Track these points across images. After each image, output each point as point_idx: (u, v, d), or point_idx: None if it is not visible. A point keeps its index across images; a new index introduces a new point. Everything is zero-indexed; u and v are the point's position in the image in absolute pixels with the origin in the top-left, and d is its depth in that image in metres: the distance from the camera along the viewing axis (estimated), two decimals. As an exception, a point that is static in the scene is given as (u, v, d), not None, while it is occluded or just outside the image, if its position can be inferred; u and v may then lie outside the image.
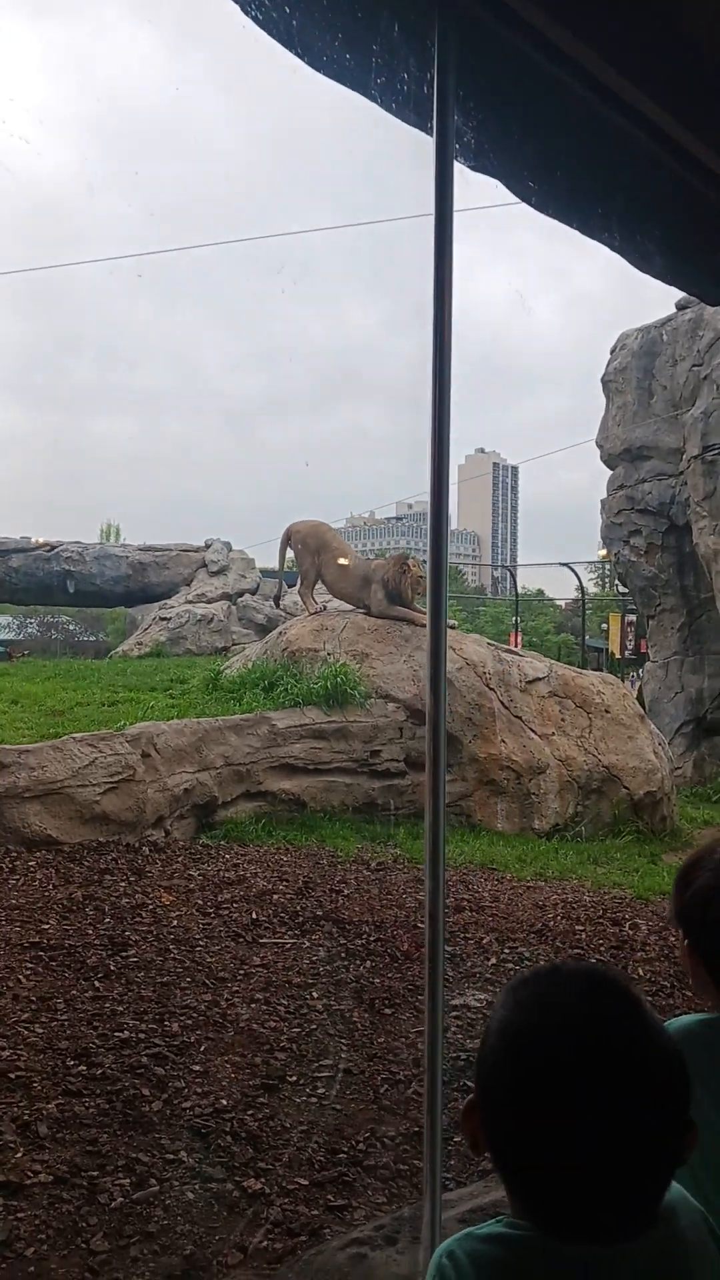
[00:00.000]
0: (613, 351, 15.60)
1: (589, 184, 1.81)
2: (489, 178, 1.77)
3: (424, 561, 11.79)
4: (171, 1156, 3.16)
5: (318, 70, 1.68)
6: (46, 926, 5.55)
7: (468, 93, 1.57)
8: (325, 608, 11.41)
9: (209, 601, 18.82)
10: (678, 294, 15.34)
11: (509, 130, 1.66)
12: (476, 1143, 1.02)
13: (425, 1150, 1.54)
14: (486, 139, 1.66)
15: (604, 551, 15.29)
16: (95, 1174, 3.02)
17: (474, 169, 1.72)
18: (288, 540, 11.87)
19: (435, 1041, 1.57)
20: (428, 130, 1.63)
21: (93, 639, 34.83)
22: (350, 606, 11.53)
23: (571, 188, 1.80)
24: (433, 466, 1.65)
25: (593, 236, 1.94)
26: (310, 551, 11.56)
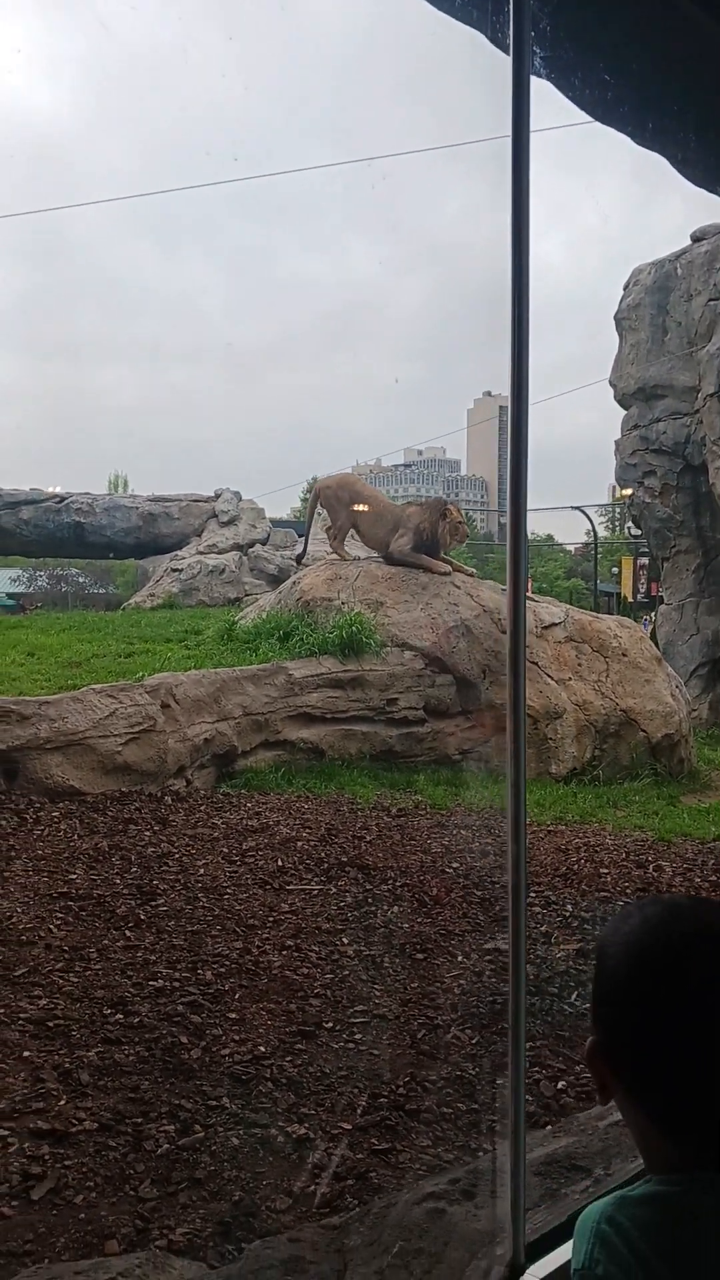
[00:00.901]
0: (626, 287, 15.22)
1: (663, 83, 1.68)
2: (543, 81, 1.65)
3: (464, 509, 11.69)
4: (214, 1103, 3.17)
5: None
6: (74, 876, 5.57)
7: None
8: (358, 559, 11.28)
9: (220, 552, 18.70)
10: (689, 227, 14.94)
11: (584, 18, 1.53)
12: (604, 1085, 0.96)
13: (510, 1099, 1.49)
14: (563, 28, 1.53)
15: (627, 491, 15.06)
16: (139, 1121, 3.03)
17: (546, 73, 1.59)
18: (317, 498, 11.75)
19: (519, 989, 1.52)
20: (485, 26, 1.50)
21: (103, 591, 34.72)
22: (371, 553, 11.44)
23: (642, 88, 1.67)
24: (512, 418, 1.55)
25: (655, 148, 1.81)
26: (342, 505, 11.41)
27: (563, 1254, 1.44)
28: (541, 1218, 1.57)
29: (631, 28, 1.58)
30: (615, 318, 15.36)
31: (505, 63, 1.68)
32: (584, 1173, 1.87)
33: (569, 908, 5.53)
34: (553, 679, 10.05)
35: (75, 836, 6.39)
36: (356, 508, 11.32)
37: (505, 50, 1.43)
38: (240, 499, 20.23)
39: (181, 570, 18.22)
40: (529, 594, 12.38)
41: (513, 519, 1.57)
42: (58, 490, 20.03)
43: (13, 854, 5.91)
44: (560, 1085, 3.40)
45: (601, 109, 1.72)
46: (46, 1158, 2.80)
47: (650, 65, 1.65)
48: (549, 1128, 2.37)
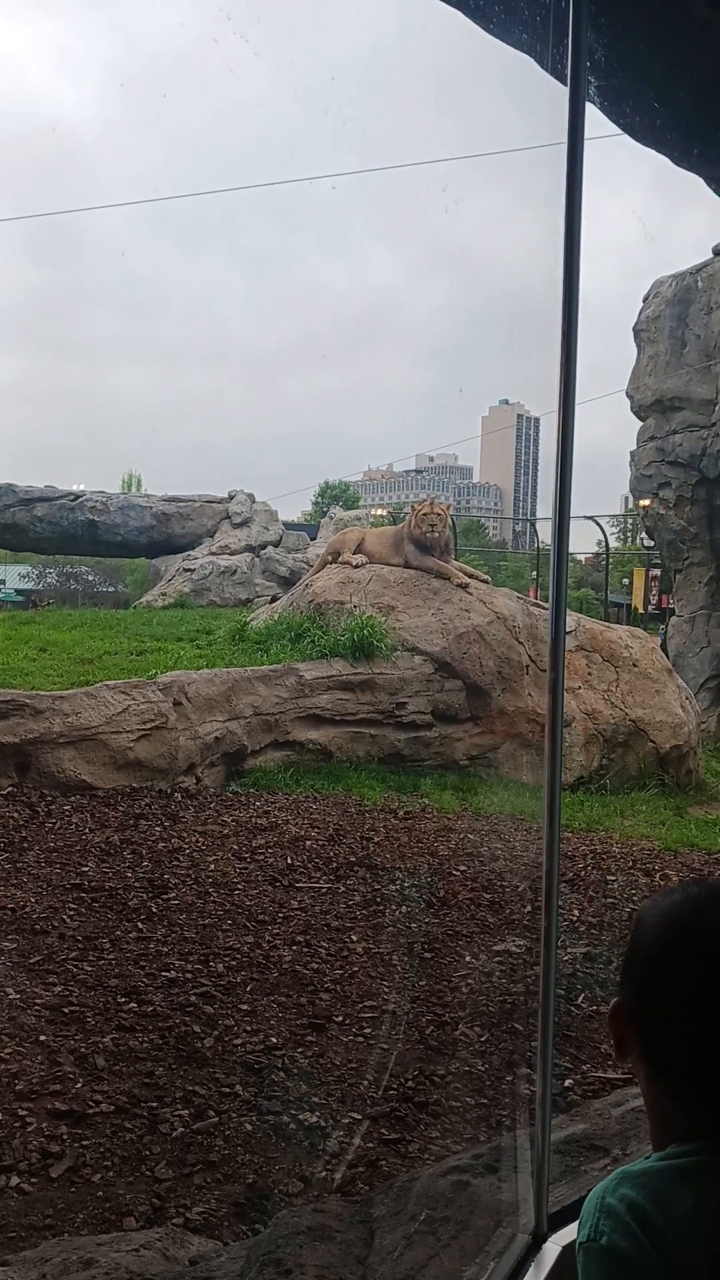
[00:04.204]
0: (645, 299, 15.28)
1: (709, 110, 1.74)
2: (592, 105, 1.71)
3: (445, 503, 11.67)
4: (227, 1090, 3.22)
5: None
6: (86, 869, 5.63)
7: (599, 8, 1.50)
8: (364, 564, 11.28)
9: (232, 553, 18.79)
10: (710, 242, 14.99)
11: (637, 47, 1.60)
12: (622, 1043, 1.01)
13: (539, 1078, 1.55)
14: (616, 59, 1.60)
15: (645, 501, 15.06)
16: (154, 1105, 3.09)
17: (600, 100, 1.65)
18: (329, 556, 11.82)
19: (549, 975, 1.57)
20: (539, 55, 1.56)
21: (112, 590, 34.88)
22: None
23: (689, 115, 1.73)
24: (560, 425, 1.60)
25: (698, 171, 1.86)
26: (348, 544, 11.53)
27: None
28: (562, 1191, 1.63)
29: (681, 58, 1.64)
30: (634, 329, 15.41)
31: (549, 82, 1.75)
32: (602, 1152, 1.93)
33: (575, 913, 5.58)
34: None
35: (87, 830, 6.45)
36: (364, 540, 11.45)
37: (559, 77, 1.49)
38: (254, 501, 20.33)
39: (194, 570, 18.32)
40: (535, 601, 12.44)
41: (557, 535, 1.62)
42: (73, 488, 20.16)
43: (25, 845, 5.97)
44: (567, 1083, 3.45)
45: (650, 134, 1.78)
46: (65, 1137, 2.86)
47: (699, 93, 1.70)
48: (562, 1116, 2.42)
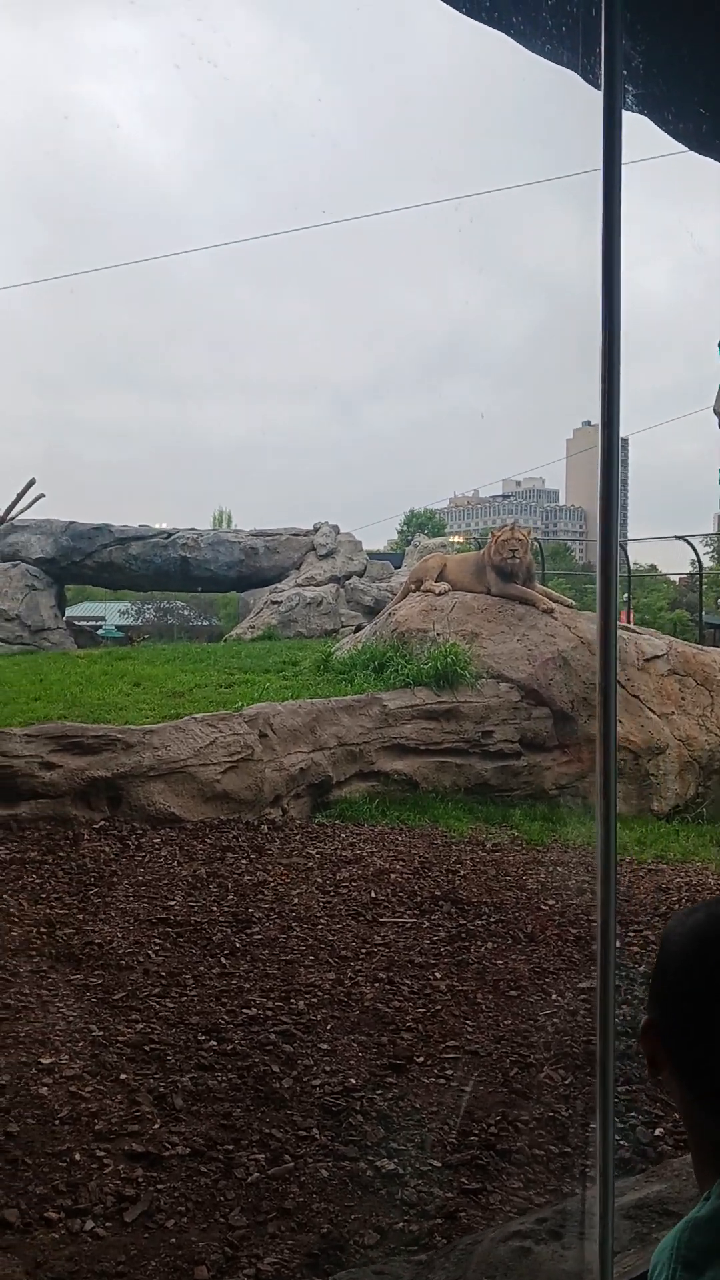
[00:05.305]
0: (731, 313, 14.93)
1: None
2: (639, 115, 1.66)
3: (526, 528, 11.51)
4: (304, 1133, 3.18)
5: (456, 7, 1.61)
6: (173, 903, 5.69)
7: (635, 16, 1.47)
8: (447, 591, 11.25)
9: (318, 584, 18.94)
10: None
11: (678, 54, 1.55)
12: (655, 1061, 1.01)
13: (598, 1139, 1.47)
14: (655, 65, 1.56)
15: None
16: (230, 1148, 3.07)
17: (639, 109, 1.62)
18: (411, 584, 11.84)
19: (607, 1020, 1.50)
20: (579, 66, 1.53)
21: (207, 623, 35.59)
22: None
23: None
24: (602, 450, 1.56)
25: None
26: (430, 571, 11.53)
27: None
28: (630, 1261, 1.54)
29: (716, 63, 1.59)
30: (719, 344, 15.05)
31: (599, 99, 1.71)
32: (676, 1218, 1.81)
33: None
34: (655, 713, 9.81)
35: (175, 863, 6.52)
36: (446, 567, 11.40)
37: (599, 88, 1.46)
38: (338, 532, 20.49)
39: (280, 602, 18.52)
40: (629, 625, 12.15)
41: (603, 552, 1.57)
42: (163, 526, 20.68)
43: (115, 879, 6.07)
44: (657, 1132, 3.29)
45: (697, 140, 1.73)
46: (140, 1180, 2.86)
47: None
48: (642, 1174, 2.30)
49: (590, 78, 1.84)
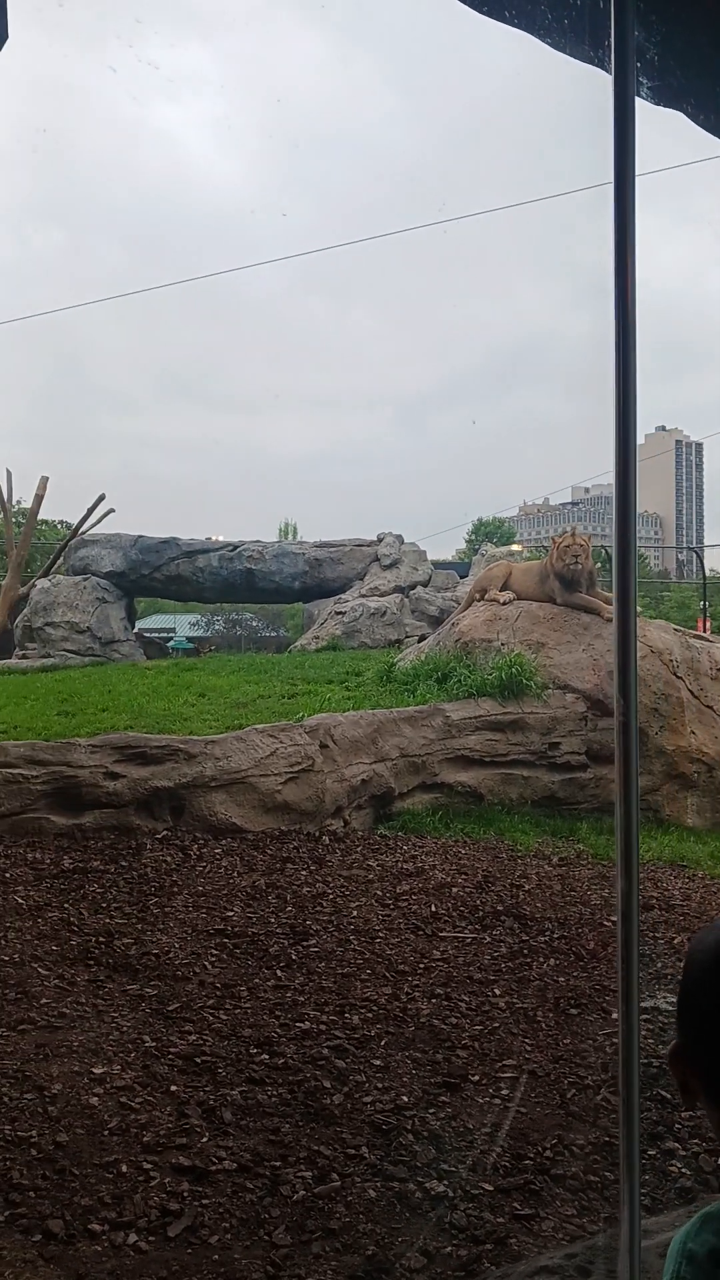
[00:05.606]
0: None
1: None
2: (672, 110, 1.59)
3: (586, 534, 11.27)
4: (353, 1151, 3.12)
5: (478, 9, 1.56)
6: (231, 914, 5.69)
7: (648, 6, 1.41)
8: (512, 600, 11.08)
9: (382, 595, 18.89)
10: None
11: (696, 42, 1.48)
12: (687, 1087, 0.98)
13: (622, 1173, 1.40)
14: (672, 56, 1.49)
15: None
16: (278, 1164, 3.02)
17: (656, 102, 1.55)
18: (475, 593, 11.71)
19: (631, 1049, 1.43)
20: (600, 61, 1.48)
21: (274, 634, 35.92)
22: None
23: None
24: (618, 452, 1.49)
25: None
26: (494, 580, 11.37)
27: None
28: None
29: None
30: None
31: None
32: None
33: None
34: (727, 723, 9.53)
35: (235, 874, 6.53)
36: (510, 576, 11.23)
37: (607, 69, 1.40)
38: (402, 542, 20.43)
39: (345, 613, 18.52)
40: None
41: (619, 559, 1.49)
42: (228, 538, 20.89)
43: (175, 889, 6.10)
44: (721, 1162, 3.15)
45: (718, 132, 1.65)
46: (185, 1195, 2.83)
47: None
48: (682, 1208, 2.19)
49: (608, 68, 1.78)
